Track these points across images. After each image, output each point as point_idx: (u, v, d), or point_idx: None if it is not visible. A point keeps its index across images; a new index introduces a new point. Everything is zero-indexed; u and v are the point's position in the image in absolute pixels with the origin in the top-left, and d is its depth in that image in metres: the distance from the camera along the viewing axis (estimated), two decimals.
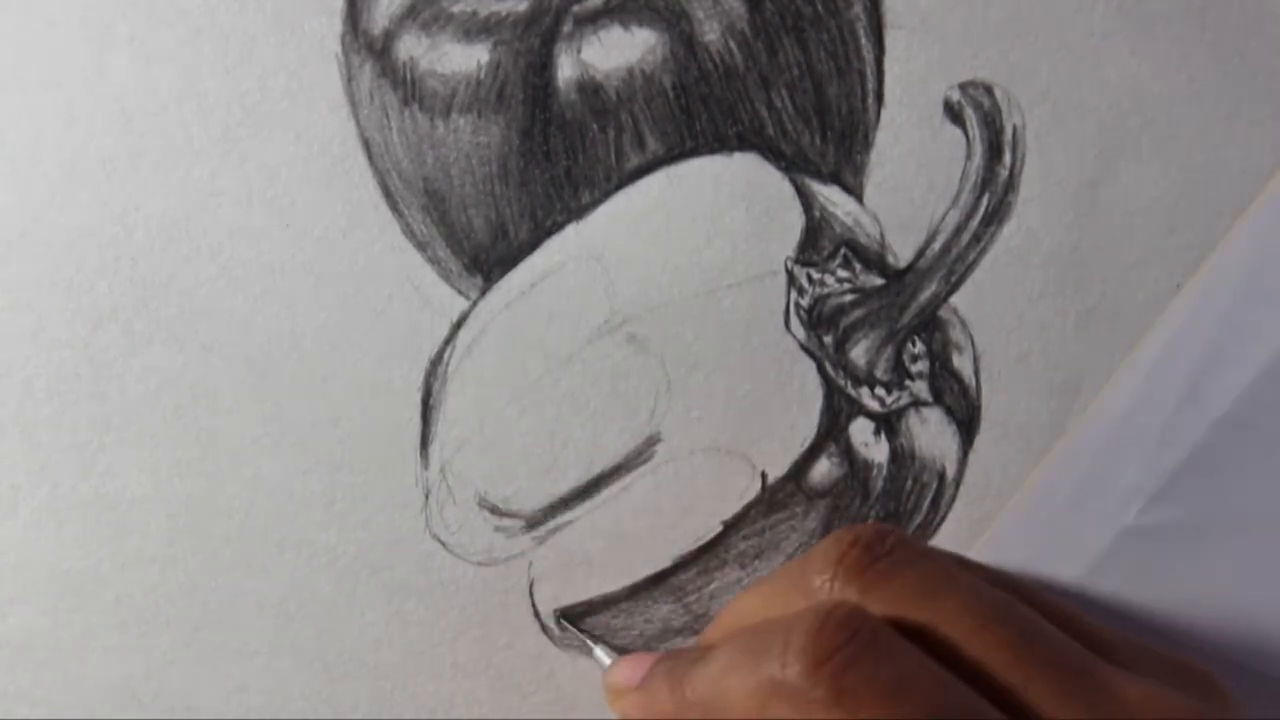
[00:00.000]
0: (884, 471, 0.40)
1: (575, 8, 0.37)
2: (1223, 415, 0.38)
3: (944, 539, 0.40)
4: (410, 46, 0.37)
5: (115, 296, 0.38)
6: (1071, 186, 0.39)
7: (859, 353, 0.39)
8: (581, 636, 0.40)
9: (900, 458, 0.40)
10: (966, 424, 0.40)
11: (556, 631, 0.40)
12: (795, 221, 0.39)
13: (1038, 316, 0.40)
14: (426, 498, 0.39)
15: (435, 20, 0.37)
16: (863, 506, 0.40)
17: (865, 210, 0.39)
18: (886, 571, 0.32)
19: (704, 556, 0.40)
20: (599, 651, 0.39)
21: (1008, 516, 0.40)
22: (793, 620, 0.30)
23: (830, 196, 0.38)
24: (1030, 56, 0.38)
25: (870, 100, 0.38)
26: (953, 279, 0.39)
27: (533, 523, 0.39)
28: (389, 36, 0.37)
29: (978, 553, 0.40)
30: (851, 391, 0.39)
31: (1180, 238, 0.40)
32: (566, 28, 0.37)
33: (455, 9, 0.37)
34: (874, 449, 0.40)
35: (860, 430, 0.40)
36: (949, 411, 0.40)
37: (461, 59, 0.37)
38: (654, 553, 0.40)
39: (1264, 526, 0.38)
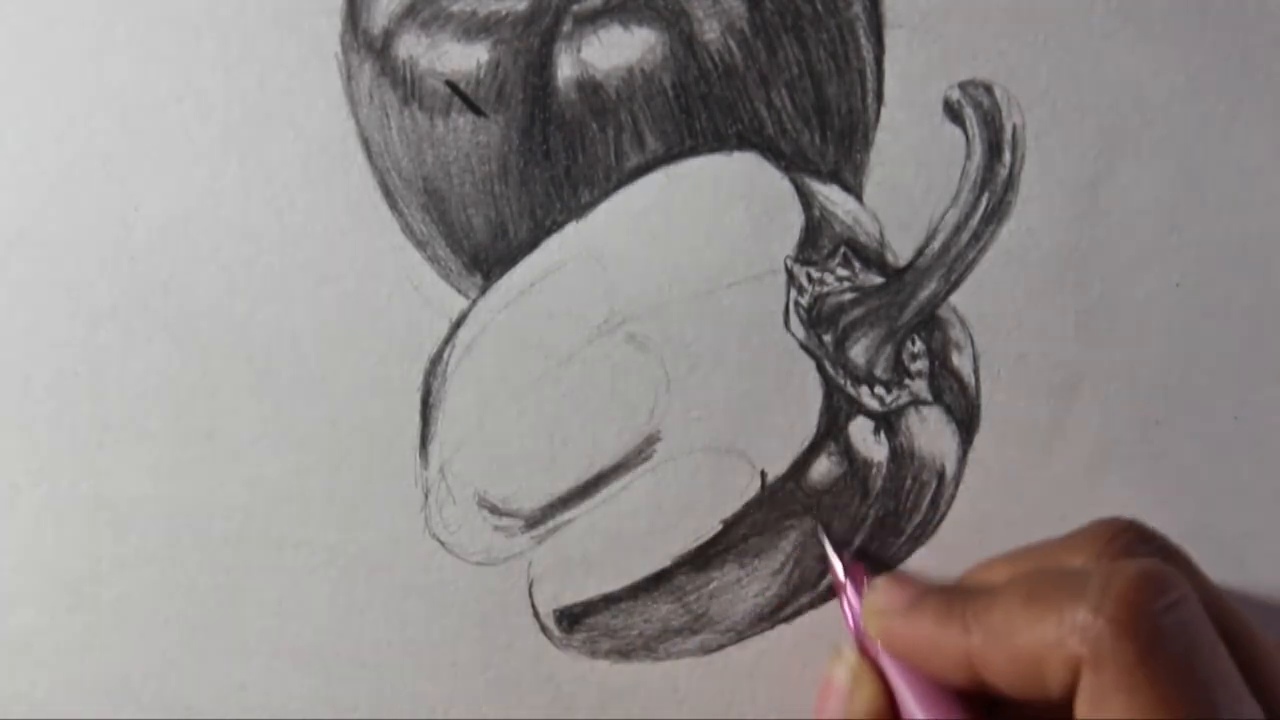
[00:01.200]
0: (883, 470, 0.40)
1: (575, 7, 0.37)
2: None
3: (943, 538, 0.40)
4: (410, 46, 0.37)
5: (115, 296, 0.38)
6: (1071, 186, 0.39)
7: (858, 351, 0.39)
8: (828, 548, 0.39)
9: (900, 457, 0.40)
10: (966, 423, 0.40)
11: (556, 631, 0.40)
12: (795, 220, 0.39)
13: (1038, 316, 0.39)
14: (426, 497, 0.39)
15: (435, 19, 0.37)
16: (862, 505, 0.40)
17: (865, 209, 0.39)
18: (1158, 555, 0.32)
19: (704, 556, 0.40)
20: (834, 560, 0.39)
21: None
22: (1113, 568, 0.30)
23: (830, 195, 0.38)
24: (1030, 56, 0.38)
25: (870, 99, 0.38)
26: (952, 278, 0.39)
27: (532, 522, 0.39)
28: (388, 36, 0.37)
29: None
30: (851, 390, 0.39)
31: (1180, 238, 0.40)
32: (566, 27, 0.37)
33: (455, 8, 0.37)
34: (873, 448, 0.40)
35: (860, 429, 0.39)
36: (948, 410, 0.40)
37: (461, 58, 0.37)
38: (654, 552, 0.40)
39: None
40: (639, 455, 0.39)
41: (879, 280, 0.39)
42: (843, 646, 0.36)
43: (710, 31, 0.37)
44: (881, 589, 0.36)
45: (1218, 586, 0.33)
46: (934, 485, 0.40)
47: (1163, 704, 0.28)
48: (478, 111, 0.35)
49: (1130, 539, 0.32)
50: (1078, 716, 0.29)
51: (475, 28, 0.37)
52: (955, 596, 0.34)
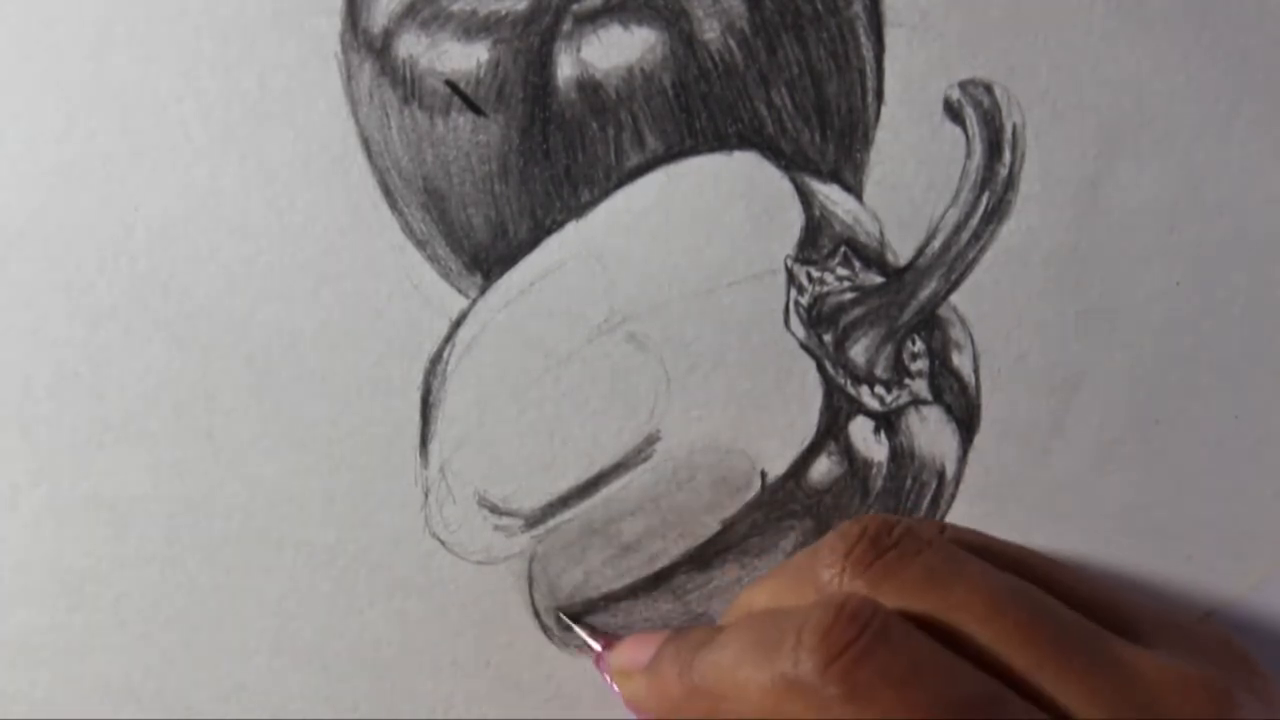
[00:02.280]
0: (883, 470, 0.40)
1: (575, 6, 0.37)
2: None
3: None
4: (410, 45, 0.37)
5: (115, 295, 0.38)
6: (1071, 186, 0.39)
7: (858, 351, 0.39)
8: (581, 633, 0.39)
9: (900, 456, 0.40)
10: (966, 423, 0.40)
11: (556, 630, 0.40)
12: (795, 220, 0.39)
13: (1038, 315, 0.39)
14: (426, 496, 0.39)
15: (435, 19, 0.37)
16: (862, 505, 0.40)
17: (865, 208, 0.39)
18: (893, 563, 0.32)
19: (704, 555, 0.40)
20: (587, 639, 0.39)
21: None
22: (804, 614, 0.30)
23: (830, 195, 0.38)
24: (1030, 55, 0.38)
25: (870, 98, 0.38)
26: (952, 277, 0.39)
27: (532, 521, 0.39)
28: (388, 35, 0.37)
29: None
30: (851, 390, 0.39)
31: (1180, 237, 0.40)
32: (566, 26, 0.37)
33: (455, 8, 0.37)
34: (874, 448, 0.40)
35: (860, 429, 0.40)
36: (948, 410, 0.40)
37: (461, 57, 0.37)
38: (654, 552, 0.40)
39: None
40: (639, 455, 0.39)
41: (879, 280, 0.39)
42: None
43: (710, 31, 0.37)
44: (622, 649, 0.37)
45: (979, 558, 0.33)
46: (934, 485, 0.40)
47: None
48: (477, 111, 0.35)
49: (864, 549, 0.32)
50: None
51: (475, 27, 0.37)
52: (686, 647, 0.34)
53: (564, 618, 0.40)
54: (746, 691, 0.30)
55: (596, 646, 0.39)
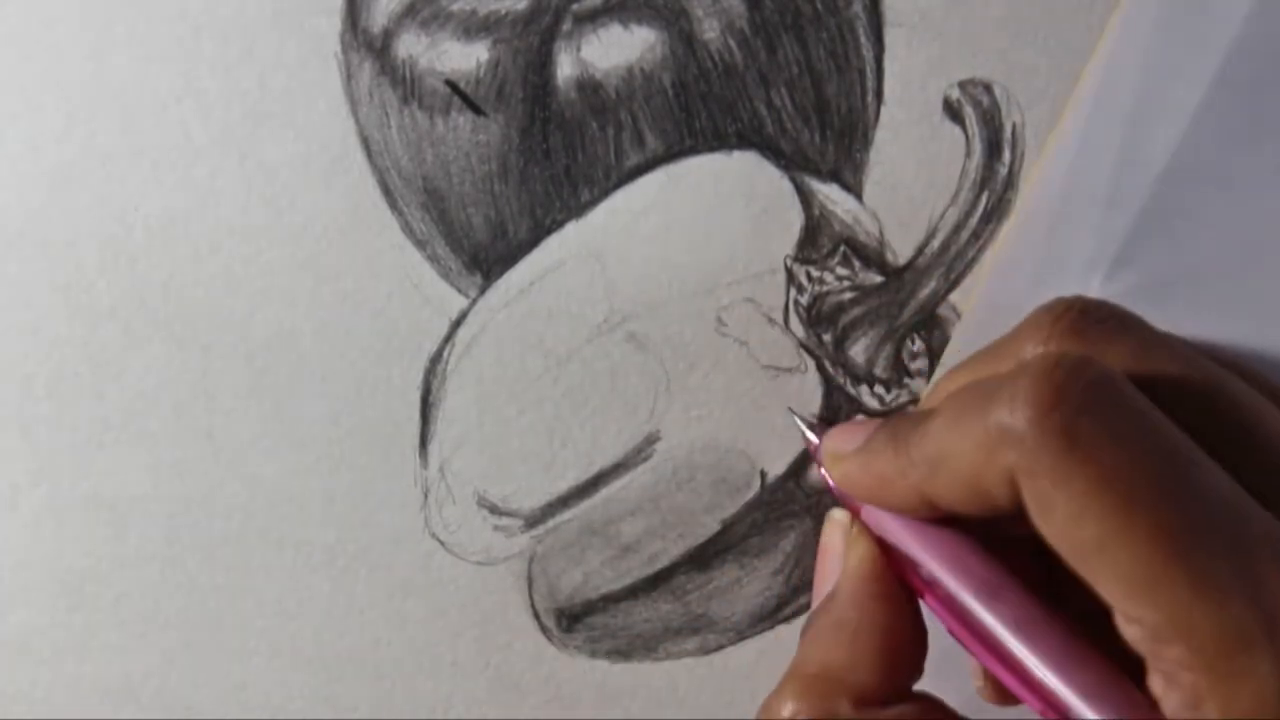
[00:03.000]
0: None
1: (575, 6, 0.37)
2: (1164, 169, 0.37)
3: None
4: (409, 45, 0.37)
5: (114, 295, 0.38)
6: None
7: (858, 350, 0.39)
8: (799, 423, 0.37)
9: None
10: None
11: (556, 631, 0.40)
12: (794, 219, 0.39)
13: None
14: (425, 497, 0.39)
15: (434, 19, 0.37)
16: None
17: (864, 208, 0.39)
18: (1107, 333, 0.30)
19: (704, 556, 0.40)
20: (803, 428, 0.37)
21: (971, 310, 0.39)
22: (1020, 369, 0.28)
23: (829, 194, 0.38)
24: (1029, 55, 0.38)
25: (870, 98, 0.38)
26: (952, 276, 0.39)
27: (532, 521, 0.39)
28: (388, 35, 0.37)
29: (946, 357, 0.39)
30: (851, 389, 0.39)
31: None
32: (566, 26, 0.37)
33: (454, 7, 0.37)
34: None
35: None
36: None
37: (461, 57, 0.37)
38: (654, 552, 0.40)
39: (1222, 275, 0.38)
40: (639, 455, 0.39)
41: (879, 279, 0.39)
42: (833, 511, 0.35)
43: (710, 30, 0.37)
44: (834, 434, 0.34)
45: (1184, 345, 0.31)
46: None
47: (1101, 487, 0.27)
48: (477, 111, 0.35)
49: (1072, 319, 0.31)
50: (1036, 526, 0.28)
51: (475, 27, 0.37)
52: (901, 427, 0.32)
53: (792, 410, 0.38)
54: (961, 450, 0.29)
55: (813, 437, 0.36)
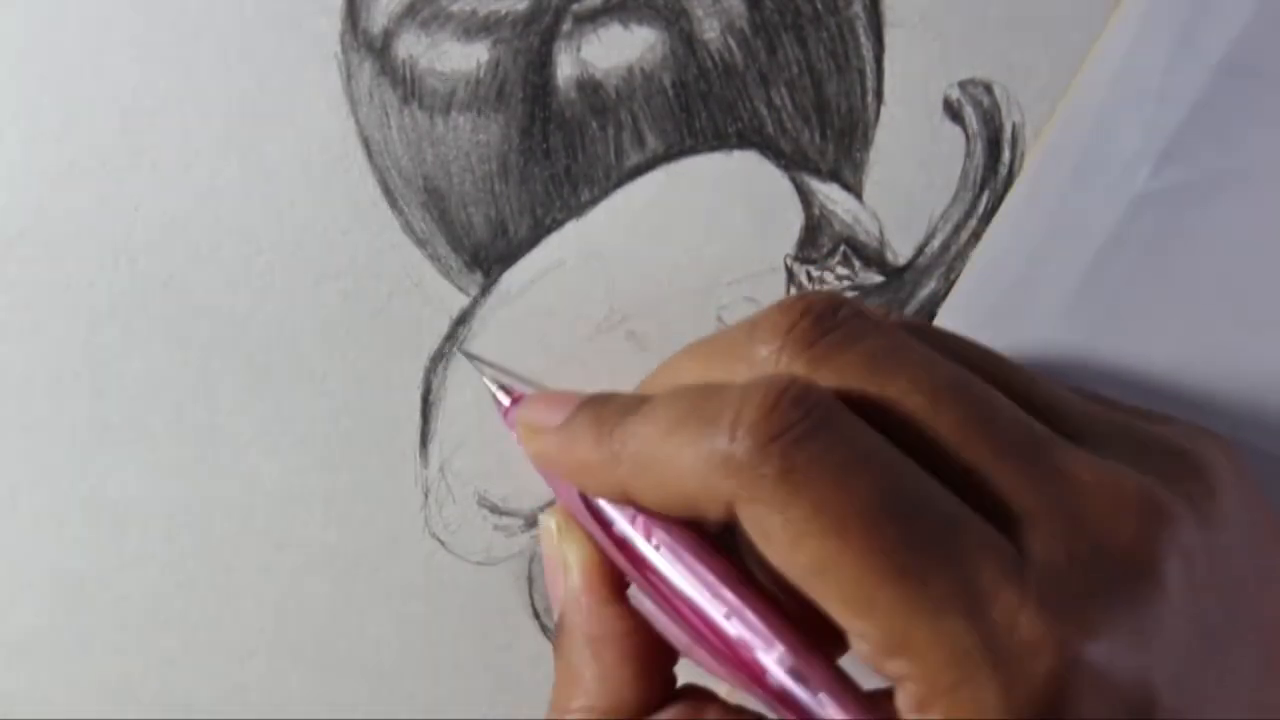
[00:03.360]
0: None
1: (575, 6, 0.37)
2: (1221, 61, 0.37)
3: None
4: (409, 45, 0.37)
5: (114, 295, 0.38)
6: None
7: None
8: (486, 382, 0.37)
9: None
10: None
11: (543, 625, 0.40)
12: (794, 219, 0.39)
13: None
14: (426, 496, 0.39)
15: (434, 19, 0.37)
16: None
17: (864, 208, 0.39)
18: (836, 345, 0.30)
19: None
20: (494, 390, 0.37)
21: (1012, 200, 0.39)
22: (743, 391, 0.29)
23: (829, 194, 0.38)
24: (1030, 55, 0.38)
25: (870, 98, 0.38)
26: (952, 276, 0.39)
27: (532, 521, 0.39)
28: (388, 35, 0.37)
29: (983, 247, 0.39)
30: None
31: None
32: (566, 26, 0.37)
33: (454, 8, 0.37)
34: None
35: None
36: None
37: (461, 57, 0.37)
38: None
39: (1271, 175, 0.37)
40: None
41: (879, 279, 0.39)
42: (542, 517, 0.34)
43: (710, 30, 0.37)
44: (533, 404, 0.34)
45: (918, 348, 0.31)
46: None
47: (816, 513, 0.27)
48: None
49: (805, 328, 0.30)
50: (752, 545, 0.28)
51: (475, 27, 0.37)
52: (607, 413, 0.32)
53: (466, 353, 0.38)
54: (673, 463, 0.29)
55: (503, 399, 0.36)
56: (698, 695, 0.32)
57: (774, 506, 0.28)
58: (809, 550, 0.27)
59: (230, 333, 0.38)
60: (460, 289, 0.38)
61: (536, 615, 0.40)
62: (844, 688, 0.28)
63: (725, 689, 0.33)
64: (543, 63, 0.37)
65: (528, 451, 0.34)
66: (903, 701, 0.27)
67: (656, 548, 0.31)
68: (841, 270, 0.39)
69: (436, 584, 0.40)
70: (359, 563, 0.39)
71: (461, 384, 0.38)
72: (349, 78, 0.37)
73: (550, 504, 0.36)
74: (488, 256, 0.38)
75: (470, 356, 0.38)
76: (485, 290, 0.38)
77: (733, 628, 0.29)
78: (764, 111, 0.38)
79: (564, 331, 0.38)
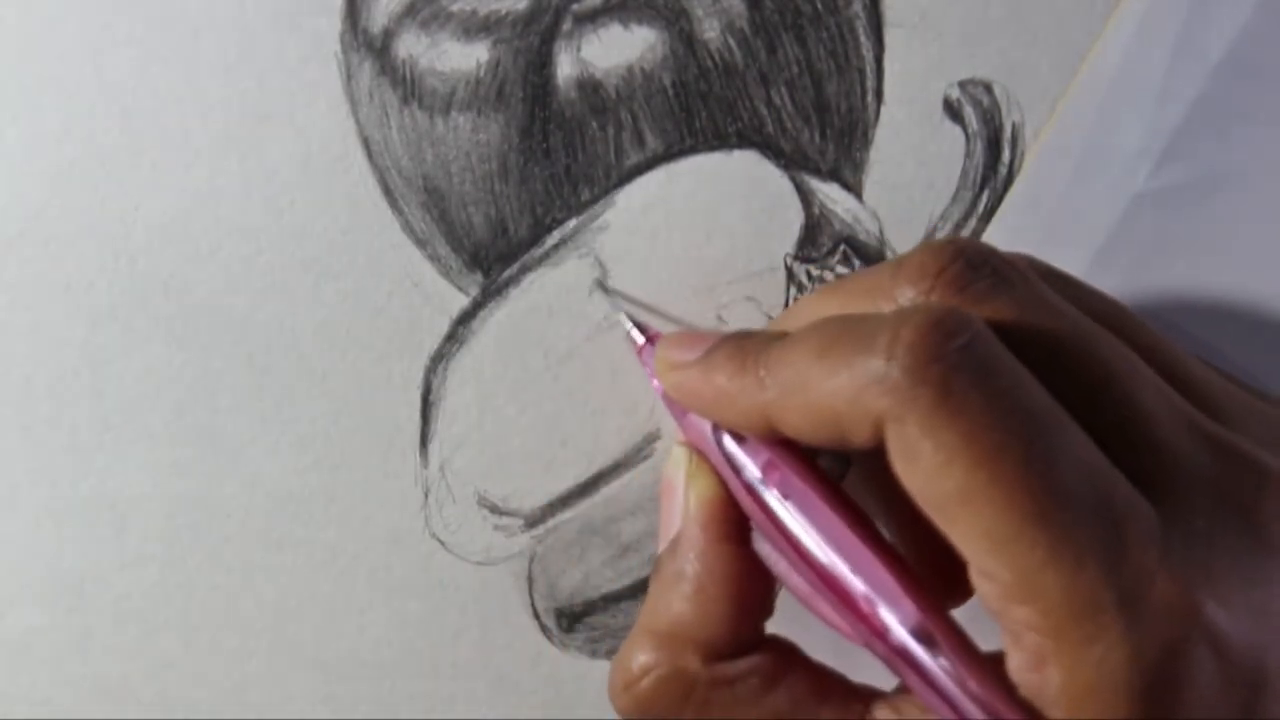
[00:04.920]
0: None
1: (575, 6, 0.37)
2: (1221, 61, 0.37)
3: None
4: (409, 45, 0.37)
5: (114, 295, 0.38)
6: None
7: None
8: (624, 319, 0.37)
9: None
10: None
11: (556, 631, 0.40)
12: (794, 218, 0.39)
13: None
14: (426, 496, 0.39)
15: (435, 19, 0.37)
16: None
17: (864, 207, 0.39)
18: (987, 291, 0.30)
19: None
20: (630, 327, 0.37)
21: (1012, 200, 0.39)
22: (900, 314, 0.28)
23: (829, 194, 0.38)
24: (1030, 54, 0.38)
25: (870, 98, 0.38)
26: None
27: (532, 521, 0.39)
28: (388, 35, 0.37)
29: (986, 238, 0.39)
30: None
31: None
32: (566, 26, 0.37)
33: (455, 7, 0.37)
34: None
35: None
36: None
37: (461, 57, 0.37)
38: (653, 552, 0.40)
39: (1272, 173, 0.37)
40: (639, 454, 0.39)
41: None
42: (674, 447, 0.34)
43: (710, 30, 0.37)
44: (671, 341, 0.34)
45: (1062, 303, 0.31)
46: None
47: (969, 441, 0.27)
48: None
49: (956, 271, 0.30)
50: (894, 469, 0.28)
51: (475, 27, 0.37)
52: (750, 344, 0.31)
53: (610, 290, 0.37)
54: (824, 384, 0.29)
55: (639, 338, 0.36)
56: (784, 648, 0.32)
57: (927, 428, 0.27)
58: (956, 477, 0.27)
59: (230, 333, 0.38)
60: (460, 289, 0.38)
61: (536, 615, 0.40)
62: (968, 653, 0.28)
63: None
64: (543, 62, 0.37)
65: (666, 385, 0.33)
66: (1017, 660, 0.27)
67: (786, 496, 0.31)
68: (841, 269, 0.39)
69: (436, 584, 0.40)
70: (359, 563, 0.39)
71: (461, 384, 0.38)
72: (349, 78, 0.37)
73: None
74: (488, 256, 0.38)
75: (610, 291, 0.38)
76: (485, 290, 0.38)
77: (859, 582, 0.29)
78: (764, 111, 0.38)
79: (564, 331, 0.38)
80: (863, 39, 0.38)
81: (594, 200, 0.38)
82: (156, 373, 0.38)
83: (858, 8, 0.38)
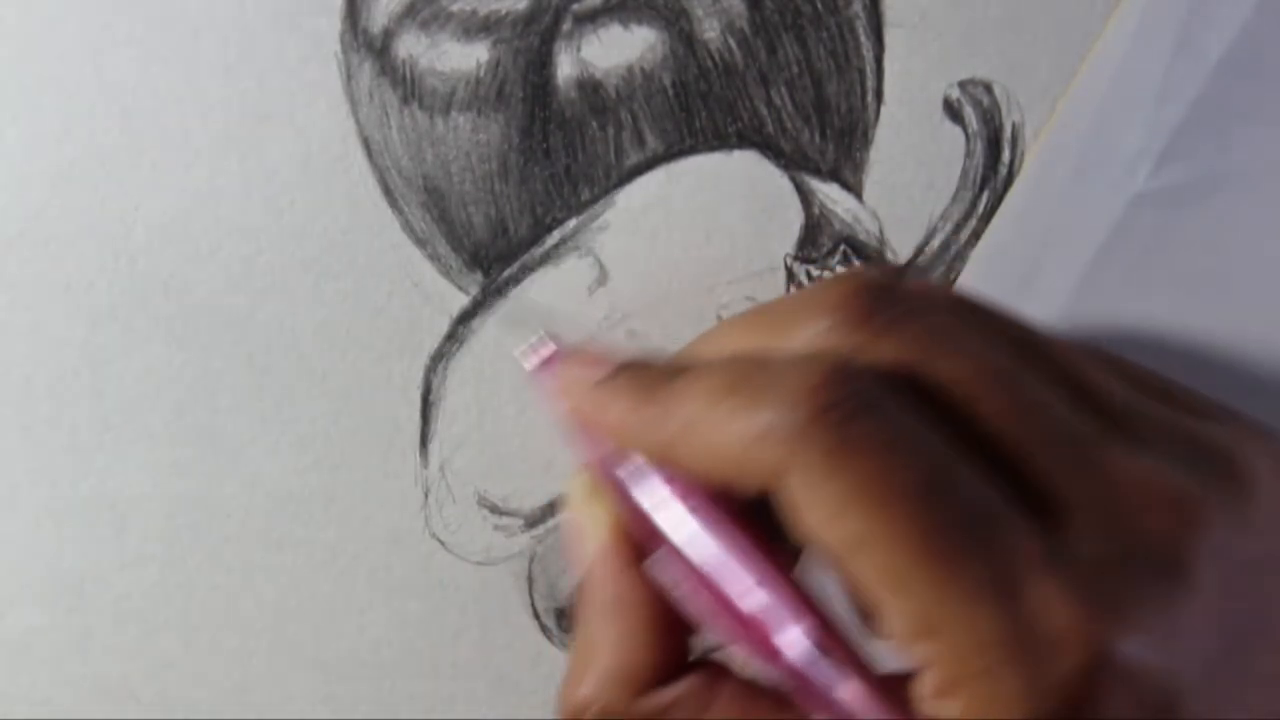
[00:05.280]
0: None
1: (575, 6, 0.37)
2: (1220, 61, 0.37)
3: None
4: (410, 45, 0.37)
5: (114, 295, 0.38)
6: None
7: None
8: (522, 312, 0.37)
9: None
10: None
11: (556, 631, 0.40)
12: (794, 219, 0.39)
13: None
14: (426, 496, 0.39)
15: (435, 19, 0.37)
16: None
17: (864, 207, 0.39)
18: (894, 322, 0.30)
19: None
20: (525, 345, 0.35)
21: (1012, 200, 0.39)
22: (798, 363, 0.29)
23: (829, 194, 0.38)
24: (1029, 54, 0.38)
25: (870, 98, 0.38)
26: (952, 276, 0.39)
27: (532, 521, 0.39)
28: (388, 35, 0.37)
29: (983, 247, 0.39)
30: None
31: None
32: (566, 26, 0.37)
33: (455, 7, 0.37)
34: None
35: None
36: None
37: (461, 57, 0.37)
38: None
39: (1272, 174, 0.37)
40: None
41: None
42: (572, 480, 0.33)
43: (710, 30, 0.37)
44: (573, 360, 0.33)
45: (973, 333, 0.30)
46: None
47: (863, 487, 0.27)
48: None
49: (862, 303, 0.30)
50: (792, 518, 0.28)
51: (475, 27, 0.37)
52: (650, 376, 0.31)
53: (518, 301, 0.37)
54: (721, 429, 0.29)
55: (531, 360, 0.34)
56: (714, 666, 0.32)
57: (820, 478, 0.27)
58: (850, 524, 0.27)
59: (230, 333, 0.38)
60: (460, 289, 0.38)
61: (536, 615, 0.40)
62: (860, 669, 0.28)
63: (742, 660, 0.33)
64: (543, 62, 0.37)
65: (561, 408, 0.33)
66: (924, 688, 0.27)
67: (680, 518, 0.31)
68: (841, 269, 0.39)
69: (436, 584, 0.40)
70: (359, 563, 0.39)
71: (461, 384, 0.38)
72: (349, 78, 0.37)
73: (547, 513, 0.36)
74: (488, 256, 0.38)
75: (520, 307, 0.37)
76: (485, 290, 0.38)
77: (751, 602, 0.29)
78: (764, 111, 0.38)
79: (564, 331, 0.38)
80: (863, 39, 0.38)
81: (594, 200, 0.38)
82: (156, 373, 0.38)
83: (858, 8, 0.38)
